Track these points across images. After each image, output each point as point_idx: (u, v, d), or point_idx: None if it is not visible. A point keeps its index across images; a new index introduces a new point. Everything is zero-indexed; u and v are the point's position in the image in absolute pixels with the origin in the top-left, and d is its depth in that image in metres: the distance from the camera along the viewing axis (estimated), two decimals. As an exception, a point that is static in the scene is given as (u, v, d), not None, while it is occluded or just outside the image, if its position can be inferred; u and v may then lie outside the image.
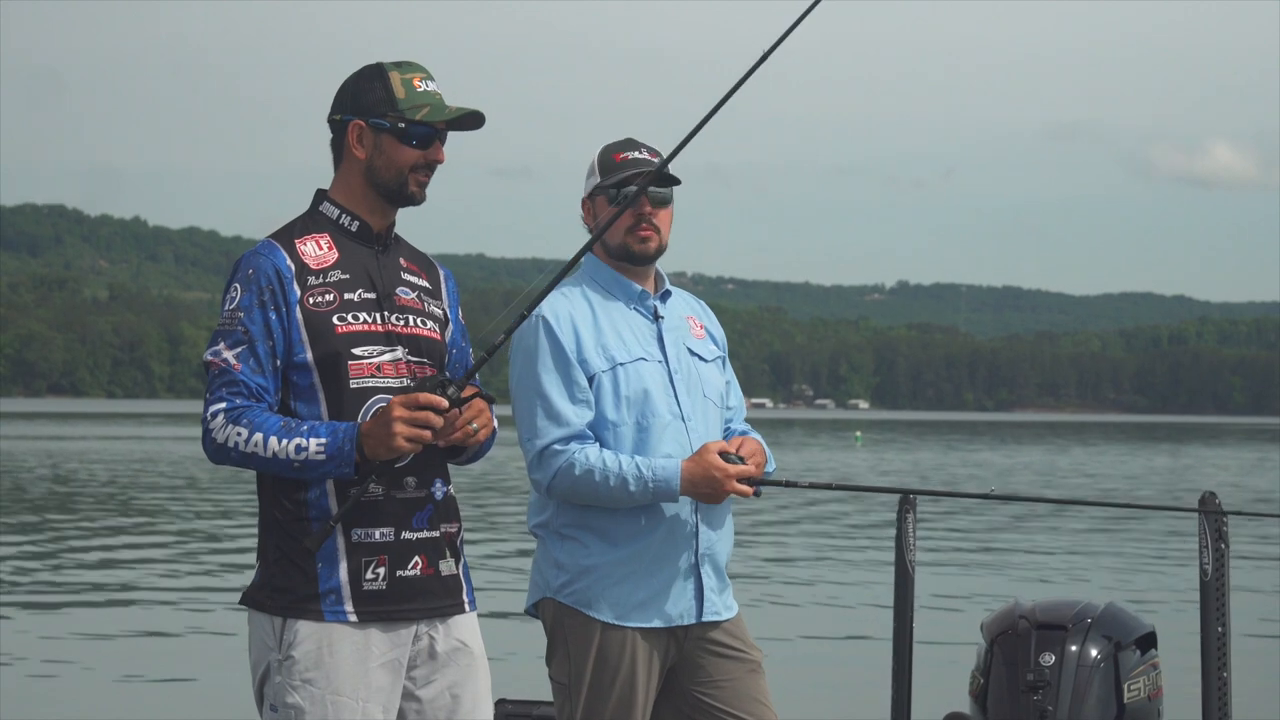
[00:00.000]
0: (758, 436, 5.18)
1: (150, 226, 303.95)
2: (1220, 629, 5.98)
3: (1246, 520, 27.94)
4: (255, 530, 4.47)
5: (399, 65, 4.43)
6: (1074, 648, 5.85)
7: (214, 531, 25.62)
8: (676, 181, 5.10)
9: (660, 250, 5.11)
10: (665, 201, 5.09)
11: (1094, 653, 5.85)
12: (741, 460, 4.98)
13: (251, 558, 5.15)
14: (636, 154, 5.09)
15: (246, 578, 4.71)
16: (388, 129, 4.39)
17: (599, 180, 5.10)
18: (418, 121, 4.39)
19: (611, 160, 5.10)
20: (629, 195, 5.02)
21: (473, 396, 4.28)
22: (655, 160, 5.08)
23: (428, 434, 4.21)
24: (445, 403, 4.21)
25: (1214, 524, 5.91)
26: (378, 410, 4.23)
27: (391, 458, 4.22)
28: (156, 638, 14.65)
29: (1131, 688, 5.88)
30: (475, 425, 4.30)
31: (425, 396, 4.19)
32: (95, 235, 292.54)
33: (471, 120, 4.44)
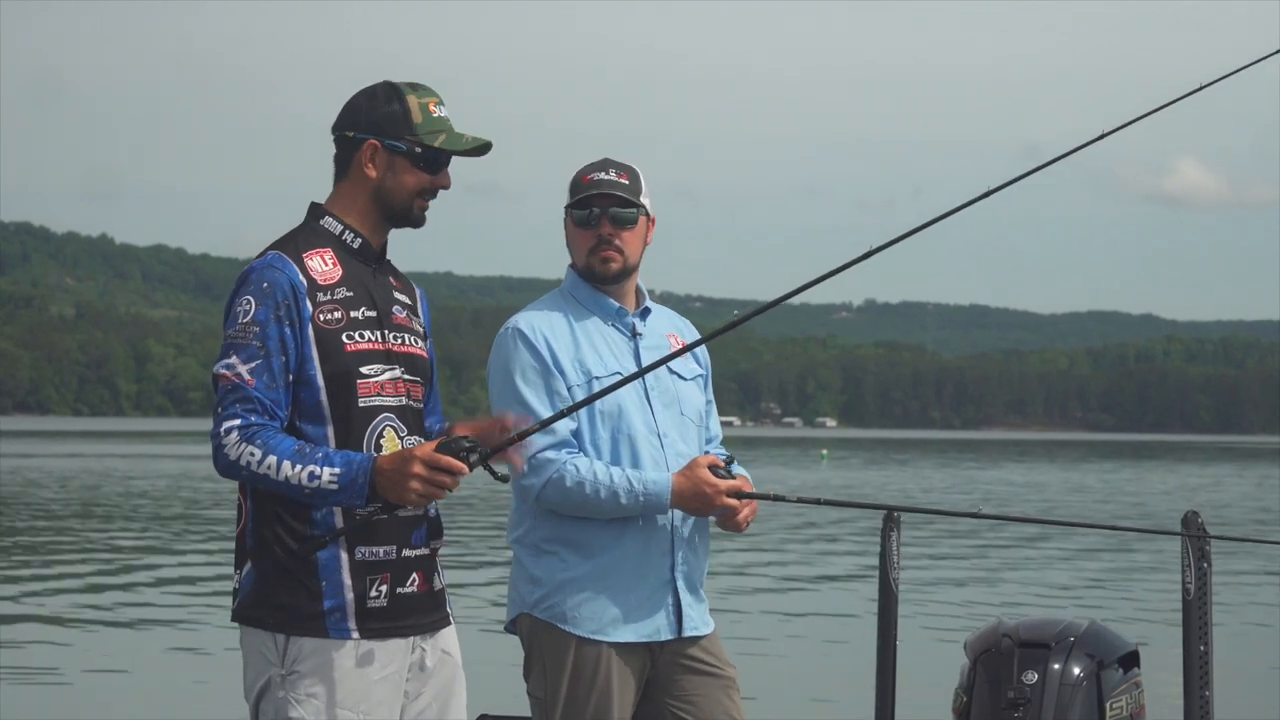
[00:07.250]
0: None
1: (117, 244, 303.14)
2: (1203, 648, 6.02)
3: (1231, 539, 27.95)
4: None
5: (414, 87, 4.43)
6: (1057, 666, 5.87)
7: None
8: (638, 205, 5.11)
9: (626, 270, 5.12)
10: (628, 222, 5.11)
11: (1076, 671, 5.87)
12: (731, 475, 5.03)
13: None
14: (604, 175, 5.11)
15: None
16: (403, 152, 4.39)
17: (568, 200, 5.14)
18: (435, 148, 4.40)
19: (580, 181, 5.13)
20: (591, 217, 5.08)
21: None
22: (623, 181, 5.11)
23: (441, 494, 4.22)
24: (466, 470, 4.20)
25: (1196, 544, 5.97)
26: (399, 455, 4.20)
27: (399, 505, 4.24)
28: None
29: (1114, 706, 5.90)
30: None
31: (448, 460, 4.17)
32: (62, 253, 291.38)
33: (481, 149, 4.47)
